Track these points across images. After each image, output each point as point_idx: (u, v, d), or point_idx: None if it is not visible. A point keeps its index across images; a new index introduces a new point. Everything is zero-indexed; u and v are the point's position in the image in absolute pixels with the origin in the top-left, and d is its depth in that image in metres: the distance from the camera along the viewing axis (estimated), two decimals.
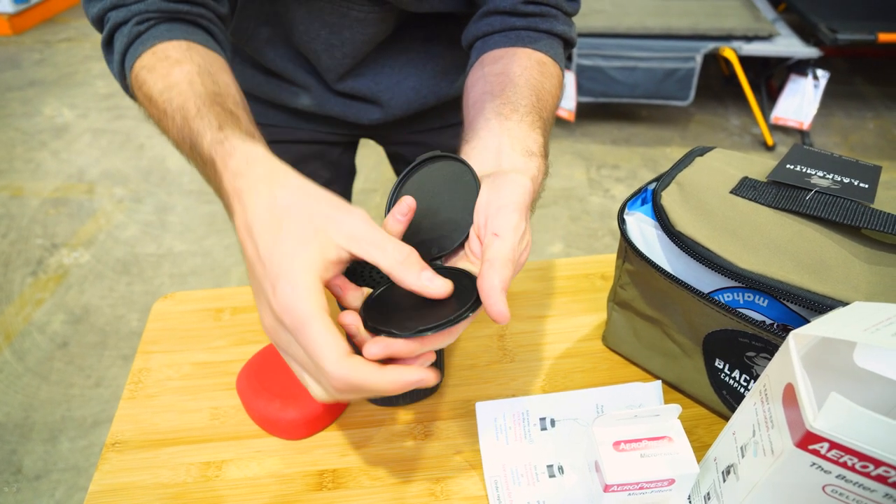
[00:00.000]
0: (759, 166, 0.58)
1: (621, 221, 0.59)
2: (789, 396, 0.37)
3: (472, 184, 0.48)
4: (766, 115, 2.73)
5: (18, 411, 1.66)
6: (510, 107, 0.54)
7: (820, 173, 0.54)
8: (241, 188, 0.42)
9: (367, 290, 0.46)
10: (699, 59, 2.50)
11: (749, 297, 0.51)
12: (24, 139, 2.89)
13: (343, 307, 0.45)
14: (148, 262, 2.17)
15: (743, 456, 0.43)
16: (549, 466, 0.55)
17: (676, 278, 0.55)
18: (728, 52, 2.53)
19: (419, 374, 0.39)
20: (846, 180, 0.53)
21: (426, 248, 0.49)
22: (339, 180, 0.97)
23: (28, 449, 1.56)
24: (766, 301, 0.50)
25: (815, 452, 0.35)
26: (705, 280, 0.53)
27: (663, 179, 0.58)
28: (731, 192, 0.54)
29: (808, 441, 0.35)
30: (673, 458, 0.47)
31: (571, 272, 0.78)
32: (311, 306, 0.38)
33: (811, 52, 2.52)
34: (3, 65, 3.58)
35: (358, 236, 0.40)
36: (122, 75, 0.55)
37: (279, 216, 0.40)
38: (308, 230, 0.40)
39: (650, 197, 0.59)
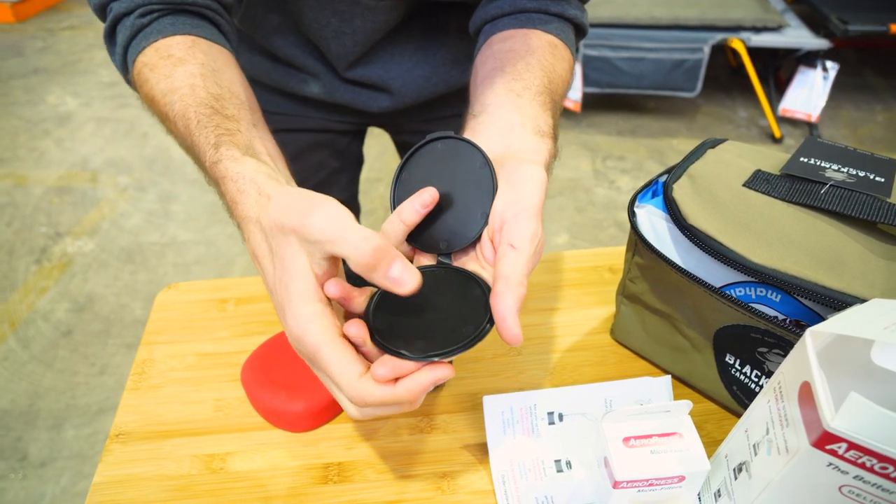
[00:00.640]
0: (772, 159, 0.57)
1: (631, 214, 0.58)
2: (805, 395, 0.36)
3: (485, 174, 0.45)
4: (773, 107, 2.70)
5: (23, 399, 1.66)
6: (522, 84, 0.52)
7: (834, 167, 0.53)
8: (240, 218, 0.43)
9: (370, 290, 0.44)
10: (707, 50, 2.47)
11: (762, 291, 0.50)
12: (27, 127, 2.89)
13: (349, 314, 0.43)
14: (151, 251, 2.17)
15: (756, 454, 0.42)
16: (557, 461, 0.54)
17: (687, 272, 0.54)
18: (736, 44, 2.51)
19: (432, 375, 0.39)
20: (861, 174, 0.52)
21: (433, 242, 0.47)
22: (347, 169, 0.97)
23: (33, 436, 1.57)
24: (780, 296, 0.49)
25: (833, 453, 0.34)
26: (717, 274, 0.53)
27: (675, 172, 0.57)
28: (743, 185, 0.53)
29: (825, 441, 0.34)
30: (683, 455, 0.46)
31: (579, 264, 0.77)
32: (317, 336, 0.38)
33: (821, 43, 2.49)
34: (6, 52, 3.57)
35: (324, 238, 0.37)
36: (125, 69, 0.55)
37: (269, 243, 0.40)
38: (288, 253, 0.39)
39: (661, 189, 0.58)
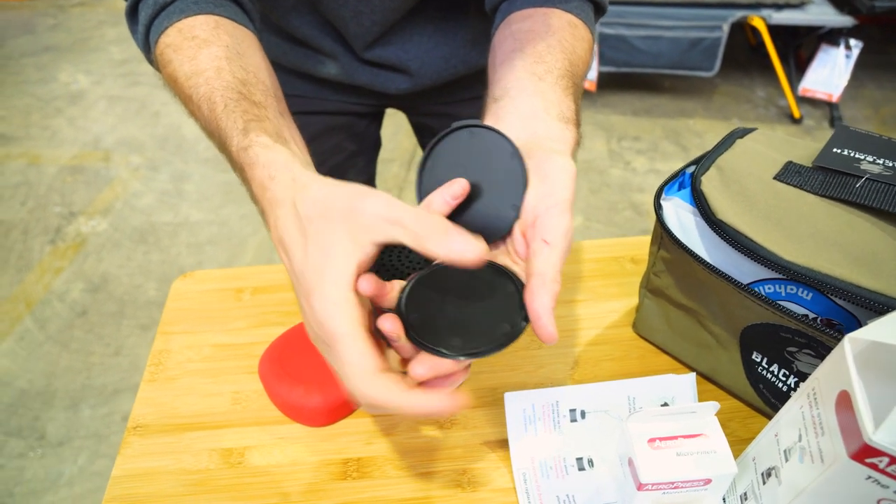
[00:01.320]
0: (803, 150, 0.55)
1: (658, 206, 0.57)
2: (844, 404, 0.35)
3: (515, 165, 0.43)
4: (793, 86, 2.65)
5: (40, 378, 1.68)
6: (544, 67, 0.50)
7: (870, 158, 0.51)
8: (269, 203, 0.41)
9: (398, 284, 0.42)
10: (726, 28, 2.42)
11: (792, 289, 0.49)
12: (39, 105, 2.89)
13: (379, 309, 0.42)
14: (165, 231, 2.17)
15: (787, 460, 0.41)
16: (579, 459, 0.54)
17: (715, 268, 0.52)
18: (757, 21, 2.45)
19: (443, 404, 0.37)
20: None
21: None
22: (365, 152, 0.95)
23: (50, 416, 1.58)
24: (811, 294, 0.48)
25: (873, 466, 0.33)
26: (745, 270, 0.51)
27: (703, 163, 0.55)
28: (774, 177, 0.52)
29: (864, 454, 0.33)
30: (710, 458, 0.45)
31: (599, 255, 0.76)
32: (342, 323, 0.37)
33: (845, 20, 2.43)
34: (17, 30, 3.56)
35: (380, 218, 0.37)
36: (147, 48, 0.53)
37: (304, 228, 0.39)
38: (331, 239, 0.38)
39: (688, 181, 0.56)
